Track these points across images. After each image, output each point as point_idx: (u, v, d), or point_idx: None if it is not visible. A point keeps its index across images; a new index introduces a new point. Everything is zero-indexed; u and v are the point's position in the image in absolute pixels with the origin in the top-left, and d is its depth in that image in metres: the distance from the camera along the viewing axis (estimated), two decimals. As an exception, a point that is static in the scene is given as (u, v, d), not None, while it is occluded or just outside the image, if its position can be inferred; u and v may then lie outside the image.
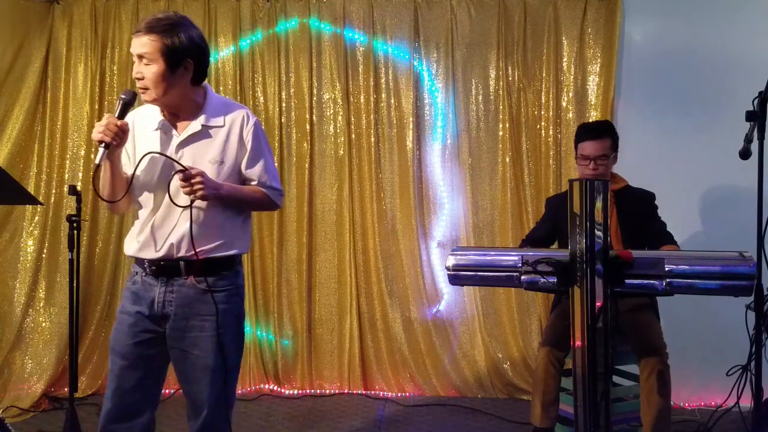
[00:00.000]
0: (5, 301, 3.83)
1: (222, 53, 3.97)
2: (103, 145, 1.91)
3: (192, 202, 1.96)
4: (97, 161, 1.92)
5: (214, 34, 3.95)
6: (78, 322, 3.23)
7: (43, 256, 3.88)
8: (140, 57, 1.95)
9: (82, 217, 3.13)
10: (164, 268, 2.03)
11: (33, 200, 3.03)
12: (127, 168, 2.08)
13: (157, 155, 2.00)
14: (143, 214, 2.07)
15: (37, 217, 3.90)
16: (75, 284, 3.10)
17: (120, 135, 1.94)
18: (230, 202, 2.06)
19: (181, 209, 1.99)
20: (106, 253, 3.93)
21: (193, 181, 1.92)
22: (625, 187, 3.05)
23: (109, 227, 3.93)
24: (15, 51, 3.85)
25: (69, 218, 3.05)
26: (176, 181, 1.95)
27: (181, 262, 2.02)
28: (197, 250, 1.99)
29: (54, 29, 3.95)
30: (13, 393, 3.67)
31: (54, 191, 3.92)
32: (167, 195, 1.99)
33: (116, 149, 1.97)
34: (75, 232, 3.06)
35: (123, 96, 1.99)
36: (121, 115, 1.97)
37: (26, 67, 3.89)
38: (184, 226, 2.00)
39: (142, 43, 1.94)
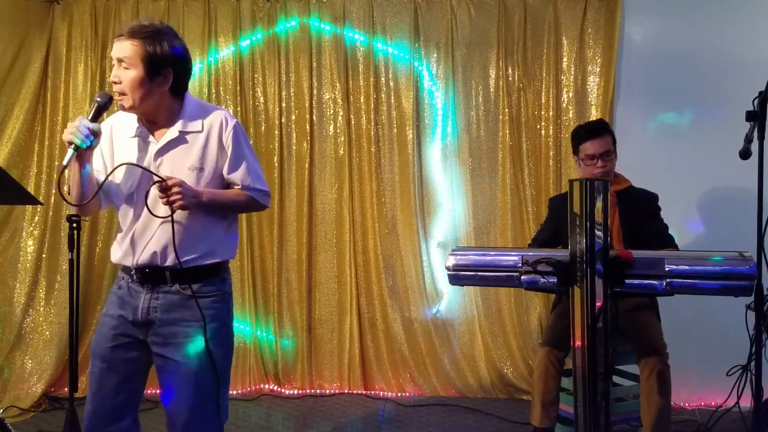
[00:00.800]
0: (5, 301, 3.83)
1: (222, 53, 3.97)
2: (72, 146, 1.87)
3: (172, 212, 1.92)
4: (64, 162, 1.88)
5: (214, 34, 3.95)
6: (78, 322, 3.23)
7: (43, 256, 3.88)
8: (120, 61, 1.93)
9: (82, 217, 3.13)
10: (149, 276, 2.01)
11: (33, 200, 3.02)
12: (101, 175, 2.04)
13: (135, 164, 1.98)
14: (125, 223, 2.05)
15: (37, 217, 3.90)
16: (75, 284, 3.10)
17: (90, 138, 1.90)
18: (213, 209, 2.03)
19: (164, 219, 1.96)
20: (106, 253, 3.92)
21: (170, 192, 1.88)
22: (628, 187, 3.03)
23: (109, 227, 3.93)
24: (15, 51, 3.85)
25: (69, 218, 3.05)
26: (155, 192, 1.93)
27: (167, 271, 2.00)
28: (181, 260, 1.96)
29: (54, 29, 3.94)
30: (13, 393, 3.67)
31: (54, 191, 3.91)
32: (146, 206, 1.96)
33: (86, 152, 1.93)
34: (75, 232, 3.06)
35: (98, 99, 1.96)
36: (94, 118, 1.93)
37: (26, 67, 3.89)
38: (165, 236, 1.97)
39: (123, 47, 1.92)
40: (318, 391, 3.95)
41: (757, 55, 3.60)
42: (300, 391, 3.94)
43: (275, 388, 3.97)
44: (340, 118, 3.97)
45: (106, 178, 2.00)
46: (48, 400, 3.71)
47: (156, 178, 1.91)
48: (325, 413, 3.65)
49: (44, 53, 3.92)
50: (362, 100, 3.97)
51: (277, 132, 3.96)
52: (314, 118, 3.98)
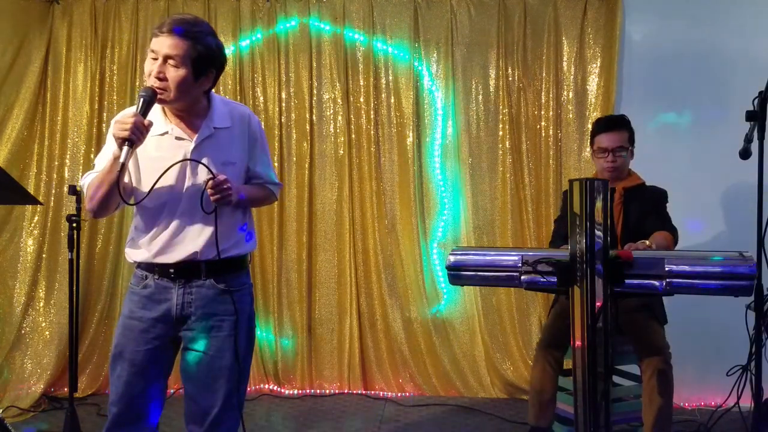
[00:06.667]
0: (5, 301, 3.83)
1: (222, 53, 3.96)
2: (127, 143, 1.84)
3: (216, 207, 1.95)
4: (122, 160, 1.83)
5: (214, 34, 3.94)
6: (78, 322, 3.23)
7: (43, 256, 3.88)
8: (167, 57, 1.89)
9: (82, 217, 3.12)
10: (184, 270, 2.01)
11: (33, 200, 3.03)
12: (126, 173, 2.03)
13: (168, 161, 1.95)
14: (154, 221, 2.02)
15: (37, 217, 3.90)
16: (75, 284, 3.10)
17: (145, 135, 1.89)
18: (246, 204, 2.09)
19: (201, 214, 1.98)
20: (106, 253, 3.93)
21: (224, 187, 1.92)
22: (638, 185, 3.02)
23: (109, 227, 3.93)
24: (15, 51, 3.85)
25: (69, 218, 3.05)
26: (198, 188, 1.94)
27: (203, 265, 2.01)
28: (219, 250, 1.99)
29: (54, 29, 3.94)
30: (13, 393, 3.67)
31: (54, 191, 3.91)
32: (186, 200, 1.97)
33: (134, 149, 1.91)
34: (75, 232, 3.06)
35: (143, 94, 1.91)
36: (144, 114, 1.90)
37: (26, 67, 3.88)
38: (203, 231, 1.99)
39: (173, 45, 1.89)
40: (318, 391, 3.95)
41: (757, 55, 3.60)
42: (300, 391, 3.94)
43: (275, 388, 3.97)
44: (340, 118, 3.97)
45: (159, 178, 1.94)
46: (48, 400, 3.71)
47: (198, 172, 1.95)
48: (325, 413, 3.65)
49: (44, 53, 3.92)
50: (362, 100, 3.97)
51: (277, 132, 3.96)
52: (314, 118, 3.98)
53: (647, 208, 2.96)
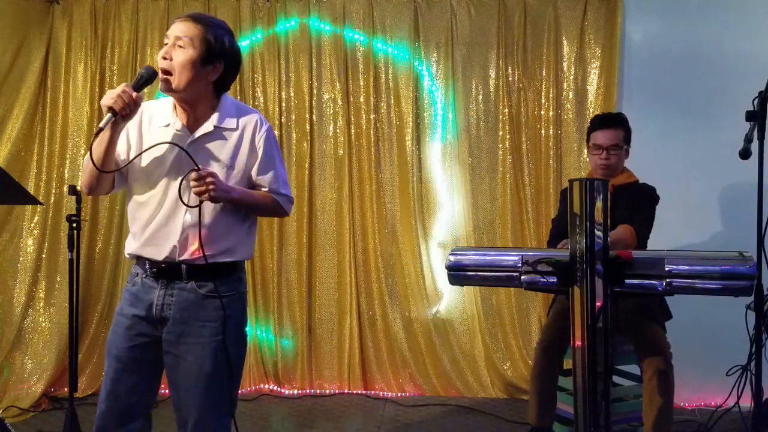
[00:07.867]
0: (5, 301, 3.83)
1: (222, 53, 3.97)
2: (110, 111, 1.84)
3: (201, 202, 1.91)
4: (101, 125, 1.84)
5: (214, 34, 3.94)
6: (78, 322, 3.23)
7: (43, 256, 3.88)
8: (177, 39, 1.91)
9: (82, 217, 3.12)
10: (165, 271, 1.99)
11: (33, 200, 3.03)
12: (122, 156, 2.02)
13: (166, 151, 1.95)
14: (144, 212, 2.01)
15: (37, 217, 3.90)
16: (75, 284, 3.10)
17: (131, 107, 1.87)
18: (240, 207, 2.04)
19: (186, 210, 1.95)
20: (106, 253, 3.93)
21: (207, 180, 1.87)
22: (630, 183, 3.01)
23: (109, 227, 3.93)
24: (15, 51, 3.85)
25: (69, 218, 3.05)
26: (185, 182, 1.91)
27: (183, 266, 1.98)
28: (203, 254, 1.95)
29: (54, 29, 3.94)
30: (13, 393, 3.67)
31: (54, 191, 3.91)
32: (175, 193, 1.95)
33: (122, 121, 1.89)
34: (75, 232, 3.06)
35: (142, 71, 1.93)
36: (137, 88, 1.90)
37: (26, 67, 3.88)
38: (189, 228, 1.96)
39: (184, 27, 1.92)
40: (318, 391, 3.95)
41: (757, 55, 3.60)
42: (300, 391, 3.94)
43: (275, 388, 3.97)
44: (340, 118, 3.97)
45: (138, 155, 1.95)
46: (48, 400, 3.71)
47: (193, 166, 1.90)
48: (325, 413, 3.65)
49: (44, 53, 3.92)
50: (362, 100, 3.97)
51: (277, 132, 3.95)
52: (314, 118, 3.98)
53: (636, 206, 2.94)
